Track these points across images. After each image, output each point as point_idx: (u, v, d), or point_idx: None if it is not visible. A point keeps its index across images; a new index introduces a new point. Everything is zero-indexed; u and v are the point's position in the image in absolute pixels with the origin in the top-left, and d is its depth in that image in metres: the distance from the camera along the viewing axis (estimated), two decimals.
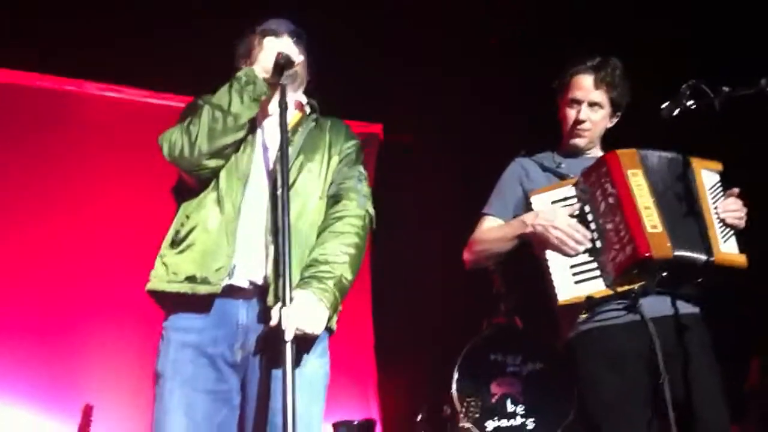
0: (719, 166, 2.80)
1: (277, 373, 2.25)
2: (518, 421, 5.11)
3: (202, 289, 2.30)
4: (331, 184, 2.53)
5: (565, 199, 2.79)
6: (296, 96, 2.63)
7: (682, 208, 2.64)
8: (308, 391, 2.32)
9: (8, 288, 5.07)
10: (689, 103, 2.64)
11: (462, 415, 5.07)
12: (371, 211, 2.53)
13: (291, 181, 2.38)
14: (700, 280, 2.70)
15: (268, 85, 2.42)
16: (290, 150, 2.43)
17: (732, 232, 2.71)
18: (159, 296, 2.39)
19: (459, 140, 6.10)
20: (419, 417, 5.32)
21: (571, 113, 2.97)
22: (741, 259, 2.69)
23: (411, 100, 6.07)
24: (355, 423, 5.31)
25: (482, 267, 3.06)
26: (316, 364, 2.39)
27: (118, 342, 5.12)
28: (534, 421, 5.10)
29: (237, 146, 2.44)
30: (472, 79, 5.86)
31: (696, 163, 2.75)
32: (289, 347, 2.08)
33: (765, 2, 4.26)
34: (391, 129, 6.29)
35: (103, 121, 5.55)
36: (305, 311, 2.23)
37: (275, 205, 2.31)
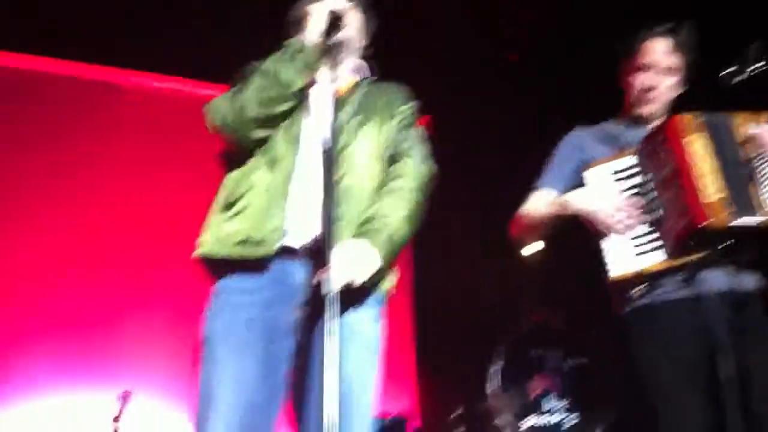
0: (767, 117, 2.65)
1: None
2: (556, 418, 5.03)
3: (259, 251, 2.24)
4: (387, 147, 2.46)
5: (626, 169, 2.70)
6: (352, 60, 2.56)
7: (740, 172, 2.53)
8: (365, 352, 2.28)
9: (40, 281, 5.08)
10: (757, 66, 2.53)
11: (499, 412, 5.01)
12: (431, 169, 2.48)
13: (345, 143, 2.36)
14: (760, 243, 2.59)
15: (320, 51, 2.35)
16: (346, 112, 2.40)
17: None
18: (211, 262, 2.32)
19: (508, 135, 6.02)
20: (456, 413, 5.26)
21: (641, 79, 2.85)
22: None
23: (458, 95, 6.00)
24: (389, 419, 5.26)
25: (529, 241, 2.99)
26: (371, 329, 2.33)
27: (152, 329, 5.11)
28: (575, 418, 5.00)
29: (287, 114, 2.38)
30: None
31: (738, 118, 2.62)
32: (331, 298, 1.96)
33: None
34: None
35: (137, 111, 5.55)
36: (354, 255, 2.18)
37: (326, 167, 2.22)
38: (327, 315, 1.93)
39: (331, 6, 2.36)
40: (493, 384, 5.06)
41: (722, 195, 2.48)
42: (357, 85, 2.53)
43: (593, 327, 5.10)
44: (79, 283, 5.14)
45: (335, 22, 2.33)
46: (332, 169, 2.12)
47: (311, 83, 2.43)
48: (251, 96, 2.31)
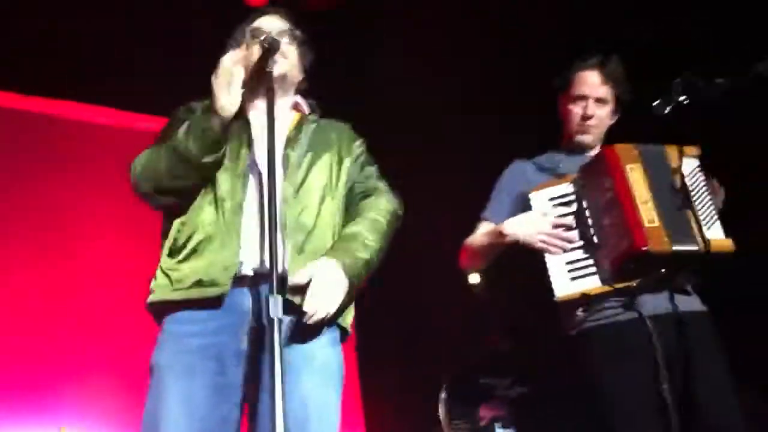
0: (697, 151, 2.76)
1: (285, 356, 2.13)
2: None
3: (214, 291, 2.21)
4: (349, 185, 2.50)
5: (563, 196, 2.79)
6: (291, 97, 2.56)
7: (676, 200, 2.61)
8: (321, 374, 2.25)
9: None
10: (681, 98, 2.63)
11: None
12: (400, 211, 2.53)
13: (300, 179, 2.36)
14: (694, 270, 2.69)
15: (226, 126, 2.30)
16: (297, 149, 2.41)
17: (716, 217, 2.66)
18: (162, 306, 2.30)
19: (457, 155, 6.07)
20: None
21: (577, 110, 2.96)
22: (727, 244, 2.62)
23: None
24: None
25: (477, 270, 3.06)
26: (328, 352, 2.30)
27: (94, 367, 5.03)
28: None
29: (218, 163, 2.34)
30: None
31: (674, 151, 2.71)
32: (277, 322, 1.93)
33: None
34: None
35: (93, 147, 5.48)
36: (330, 281, 2.20)
37: (274, 199, 2.15)
38: (276, 341, 1.90)
39: (265, 39, 2.34)
40: (442, 411, 5.09)
41: (660, 222, 2.54)
42: (302, 121, 2.52)
43: (542, 350, 5.18)
44: (21, 321, 5.03)
45: (269, 54, 2.32)
46: (274, 201, 2.08)
47: (251, 111, 2.45)
48: (163, 169, 2.29)
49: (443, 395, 5.14)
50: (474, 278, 5.67)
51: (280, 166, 2.33)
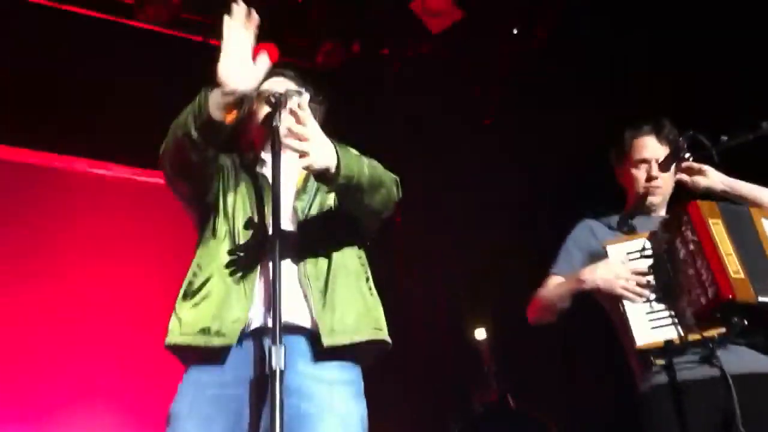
0: None
1: (302, 410, 2.16)
2: None
3: (218, 341, 2.23)
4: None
5: (641, 250, 2.81)
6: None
7: (758, 255, 2.66)
8: (341, 427, 2.20)
9: None
10: (687, 155, 2.74)
11: None
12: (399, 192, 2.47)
13: (309, 229, 2.38)
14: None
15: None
16: (305, 200, 2.43)
17: None
18: (176, 349, 2.32)
19: (453, 194, 6.13)
20: None
21: (641, 174, 3.03)
22: None
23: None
24: None
25: (545, 322, 3.06)
26: (352, 405, 2.27)
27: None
28: None
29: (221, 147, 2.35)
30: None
31: (755, 212, 2.79)
32: (278, 372, 1.93)
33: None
34: None
35: (90, 197, 5.43)
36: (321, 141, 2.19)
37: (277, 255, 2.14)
38: (276, 391, 1.91)
39: (271, 95, 2.33)
40: None
41: (745, 273, 2.58)
42: (308, 178, 2.50)
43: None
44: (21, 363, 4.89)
45: (275, 101, 2.30)
46: (276, 256, 2.07)
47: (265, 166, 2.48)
48: (181, 122, 2.25)
49: None
50: (480, 334, 5.70)
51: (291, 221, 2.38)
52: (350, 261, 2.42)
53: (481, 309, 5.73)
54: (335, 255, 2.38)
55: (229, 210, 2.41)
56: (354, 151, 2.32)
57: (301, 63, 5.29)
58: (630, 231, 2.92)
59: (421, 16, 5.49)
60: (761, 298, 2.56)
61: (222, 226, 2.39)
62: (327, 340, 2.22)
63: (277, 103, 2.29)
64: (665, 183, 3.03)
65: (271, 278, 2.09)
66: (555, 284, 2.99)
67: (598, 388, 4.80)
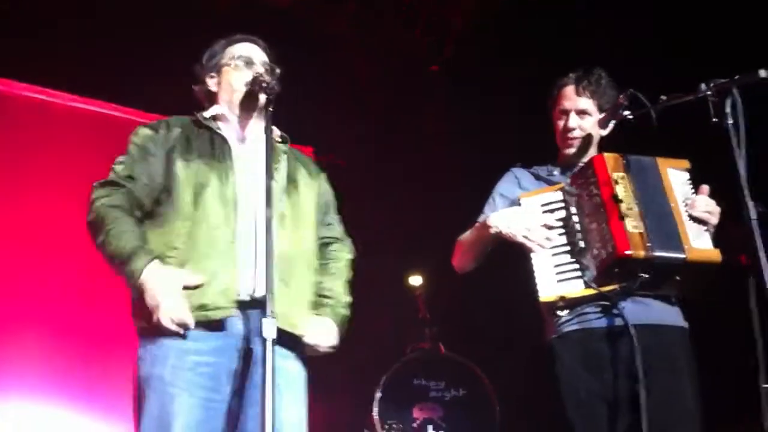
0: (686, 164, 2.85)
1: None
2: None
3: (214, 315, 2.39)
4: (319, 218, 2.79)
5: (553, 203, 2.86)
6: (262, 122, 2.66)
7: (661, 209, 2.70)
8: (294, 392, 2.51)
9: None
10: (626, 113, 2.75)
11: None
12: (353, 253, 2.90)
13: (282, 209, 2.58)
14: (678, 278, 2.72)
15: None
16: (277, 180, 2.59)
17: (705, 228, 2.72)
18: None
19: (390, 165, 6.20)
20: None
21: (561, 123, 3.04)
22: (714, 254, 2.67)
23: (342, 124, 6.13)
24: None
25: (470, 269, 3.12)
26: (299, 365, 2.58)
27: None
28: None
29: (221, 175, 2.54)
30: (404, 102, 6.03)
31: (662, 162, 2.81)
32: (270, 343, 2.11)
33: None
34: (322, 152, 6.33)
35: (34, 123, 5.32)
36: (325, 329, 2.62)
37: (266, 229, 2.31)
38: (267, 359, 2.07)
39: (260, 77, 2.60)
40: (375, 411, 5.16)
41: (644, 229, 2.63)
42: (277, 150, 2.67)
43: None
44: None
45: (258, 86, 2.58)
46: (271, 233, 2.27)
47: (237, 141, 2.66)
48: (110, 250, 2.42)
49: (377, 395, 5.21)
50: (416, 280, 5.79)
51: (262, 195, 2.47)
52: (311, 243, 2.72)
53: (419, 258, 5.80)
54: (300, 236, 2.66)
55: (191, 181, 2.51)
56: (343, 311, 2.75)
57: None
58: (551, 182, 2.97)
59: None
60: (658, 253, 2.60)
61: (185, 197, 2.49)
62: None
63: (268, 85, 2.55)
64: (584, 133, 3.00)
65: (265, 251, 2.26)
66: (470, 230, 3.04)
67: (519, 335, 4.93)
